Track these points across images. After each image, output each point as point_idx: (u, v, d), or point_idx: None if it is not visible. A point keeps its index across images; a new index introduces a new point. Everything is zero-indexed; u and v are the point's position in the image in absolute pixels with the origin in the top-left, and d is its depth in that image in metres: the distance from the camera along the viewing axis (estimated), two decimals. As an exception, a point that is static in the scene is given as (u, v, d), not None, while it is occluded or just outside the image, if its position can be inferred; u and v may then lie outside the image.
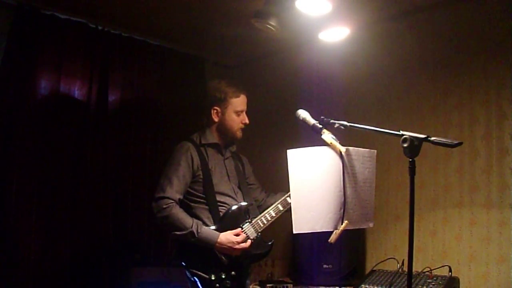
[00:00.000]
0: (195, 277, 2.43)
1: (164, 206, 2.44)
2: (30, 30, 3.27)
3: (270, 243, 2.66)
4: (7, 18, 3.23)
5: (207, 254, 2.47)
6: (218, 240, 2.45)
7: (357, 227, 1.95)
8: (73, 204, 3.41)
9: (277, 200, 2.65)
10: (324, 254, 3.19)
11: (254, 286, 3.20)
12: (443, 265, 2.62)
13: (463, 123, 2.99)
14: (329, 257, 3.19)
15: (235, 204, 2.61)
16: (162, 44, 4.07)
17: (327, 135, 1.95)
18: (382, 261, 2.82)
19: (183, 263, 2.48)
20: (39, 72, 3.35)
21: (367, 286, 2.64)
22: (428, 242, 3.06)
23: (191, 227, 2.42)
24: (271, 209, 2.60)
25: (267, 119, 4.01)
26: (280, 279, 3.52)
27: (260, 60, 4.41)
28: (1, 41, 3.21)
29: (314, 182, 1.86)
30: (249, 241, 2.53)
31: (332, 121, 2.03)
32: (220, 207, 2.58)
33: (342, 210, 1.86)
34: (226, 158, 2.74)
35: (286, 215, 2.53)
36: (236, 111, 2.65)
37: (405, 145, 1.66)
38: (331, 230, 1.87)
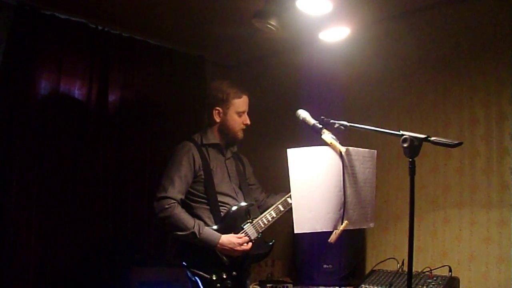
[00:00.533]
0: (196, 277, 2.43)
1: (166, 206, 2.44)
2: (30, 30, 3.27)
3: (271, 243, 2.66)
4: (7, 18, 3.23)
5: (208, 254, 2.47)
6: (220, 241, 2.45)
7: (357, 227, 1.95)
8: (73, 204, 3.41)
9: (278, 201, 2.65)
10: (324, 254, 3.19)
11: (254, 286, 3.19)
12: (443, 265, 2.62)
13: (463, 123, 2.99)
14: (329, 257, 3.19)
15: (236, 205, 2.61)
16: (162, 44, 4.07)
17: (327, 135, 1.95)
18: (382, 261, 2.82)
19: (184, 263, 2.48)
20: (39, 72, 3.35)
21: (367, 286, 2.64)
22: (428, 242, 3.06)
23: (193, 227, 2.43)
24: (271, 210, 2.61)
25: (267, 119, 4.01)
26: (280, 279, 3.51)
27: (260, 60, 4.41)
28: (1, 41, 3.21)
29: (314, 182, 1.86)
30: (250, 243, 2.53)
31: (332, 121, 2.03)
32: (221, 207, 2.58)
33: (342, 210, 1.86)
34: (227, 159, 2.74)
35: (286, 215, 2.53)
36: (237, 112, 2.65)
37: (405, 145, 1.66)
38: (331, 230, 1.88)
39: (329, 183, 1.85)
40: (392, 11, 3.33)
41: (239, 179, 2.75)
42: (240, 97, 2.66)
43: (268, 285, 3.19)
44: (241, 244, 2.49)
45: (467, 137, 2.93)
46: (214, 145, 2.68)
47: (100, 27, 3.64)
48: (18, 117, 3.20)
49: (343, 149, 1.87)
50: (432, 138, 1.65)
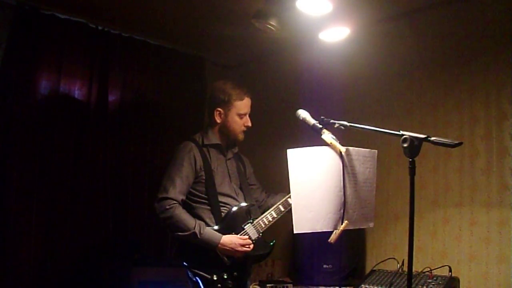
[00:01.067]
0: (197, 277, 2.42)
1: (167, 207, 2.44)
2: (30, 30, 3.27)
3: (271, 243, 2.66)
4: (7, 18, 3.23)
5: (209, 254, 2.47)
6: (221, 241, 2.45)
7: (357, 227, 1.95)
8: (73, 204, 3.41)
9: (278, 201, 2.65)
10: (324, 254, 3.19)
11: (254, 286, 3.19)
12: (443, 265, 2.62)
13: (463, 123, 2.99)
14: (329, 257, 3.19)
15: (237, 205, 2.61)
16: (162, 44, 4.07)
17: (327, 135, 1.95)
18: (382, 261, 2.82)
19: (185, 263, 2.48)
20: (39, 72, 3.36)
21: (367, 286, 2.64)
22: (428, 242, 3.06)
23: (194, 228, 2.42)
24: (272, 210, 2.60)
25: (267, 119, 4.01)
26: (280, 279, 3.52)
27: (260, 60, 4.41)
28: (1, 41, 3.21)
29: (314, 182, 1.85)
30: (252, 245, 2.52)
31: (332, 121, 2.02)
32: (222, 208, 2.58)
33: (342, 210, 1.86)
34: (228, 159, 2.73)
35: (286, 215, 2.53)
36: (239, 114, 2.64)
37: (405, 145, 1.66)
38: (331, 230, 1.87)
39: (329, 183, 1.85)
40: (392, 11, 3.33)
41: (240, 180, 2.75)
42: (242, 99, 2.64)
43: (268, 285, 3.19)
44: (243, 245, 2.48)
45: (467, 137, 2.93)
46: (215, 146, 2.68)
47: (100, 27, 3.65)
48: (18, 117, 3.21)
49: (343, 149, 1.87)
50: (432, 138, 1.65)
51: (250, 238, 2.54)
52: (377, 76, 3.48)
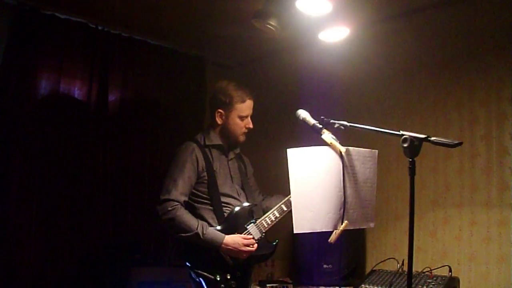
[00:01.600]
0: (200, 278, 2.42)
1: (169, 209, 2.43)
2: (30, 30, 3.27)
3: (274, 243, 2.65)
4: (7, 18, 3.23)
5: (212, 255, 2.46)
6: (224, 241, 2.44)
7: (357, 227, 1.95)
8: (73, 204, 3.41)
9: (273, 203, 2.67)
10: (324, 254, 3.19)
11: (254, 286, 3.19)
12: (443, 265, 2.62)
13: (463, 123, 2.99)
14: (329, 257, 3.19)
15: (239, 205, 2.60)
16: (162, 44, 4.07)
17: (327, 135, 1.95)
18: (382, 261, 2.82)
19: (188, 264, 2.48)
20: (39, 72, 3.36)
21: (367, 286, 2.64)
22: (428, 242, 3.06)
23: (197, 228, 2.42)
24: (275, 210, 2.60)
25: (267, 119, 4.01)
26: (280, 279, 3.52)
27: (260, 60, 4.41)
28: (1, 41, 3.21)
29: (314, 182, 1.86)
30: (256, 245, 2.52)
31: (332, 121, 2.02)
32: (224, 208, 2.57)
33: (342, 210, 1.86)
34: (230, 159, 2.73)
35: (287, 215, 2.53)
36: (240, 116, 2.62)
37: (405, 145, 1.66)
38: (331, 230, 1.87)
39: (329, 183, 1.85)
40: (392, 11, 3.33)
41: (242, 180, 2.74)
42: (243, 101, 2.62)
43: (268, 285, 3.19)
44: (247, 245, 2.48)
45: (467, 137, 2.93)
46: (217, 146, 2.67)
47: (100, 27, 3.64)
48: (18, 117, 3.21)
49: (343, 149, 1.87)
50: (432, 138, 1.65)
51: (253, 238, 2.53)
52: (377, 76, 3.48)
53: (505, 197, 2.75)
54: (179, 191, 2.48)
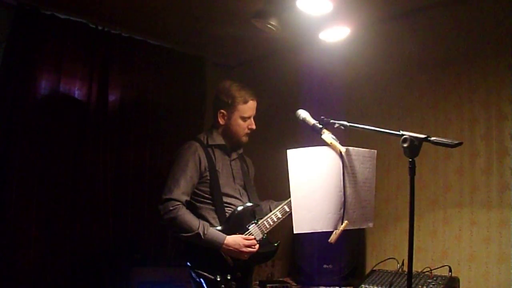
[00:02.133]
0: (200, 278, 2.41)
1: (171, 208, 2.43)
2: (30, 30, 3.27)
3: (276, 244, 2.65)
4: (7, 18, 3.23)
5: (213, 255, 2.46)
6: (225, 242, 2.44)
7: (357, 227, 1.95)
8: (73, 204, 3.41)
9: (266, 207, 2.67)
10: (324, 254, 3.19)
11: (254, 286, 3.19)
12: (443, 265, 2.62)
13: (463, 123, 2.99)
14: (329, 257, 3.19)
15: (242, 205, 2.60)
16: (162, 44, 4.07)
17: (327, 135, 1.95)
18: (382, 261, 2.82)
19: (188, 264, 2.48)
20: (39, 72, 3.36)
21: (367, 286, 2.64)
22: (428, 242, 3.06)
23: (198, 228, 2.41)
24: (277, 211, 2.59)
25: (267, 119, 4.00)
26: (280, 279, 3.52)
27: (260, 60, 4.41)
28: (1, 41, 3.21)
29: (314, 182, 1.85)
30: (257, 246, 2.51)
31: (332, 121, 2.02)
32: (226, 208, 2.57)
33: (342, 210, 1.86)
34: (233, 160, 2.72)
35: (289, 217, 2.53)
36: (242, 117, 2.61)
37: (405, 145, 1.66)
38: (331, 230, 1.87)
39: (329, 183, 1.85)
40: (392, 11, 3.33)
41: (244, 180, 2.74)
42: (246, 102, 2.61)
43: (268, 285, 3.19)
44: (248, 246, 2.47)
45: (467, 137, 2.93)
46: (219, 146, 2.66)
47: (100, 27, 3.65)
48: (18, 117, 3.21)
49: (343, 149, 1.87)
50: (432, 138, 1.65)
51: (254, 238, 2.53)
52: (377, 76, 3.48)
53: (505, 197, 2.75)
54: (181, 190, 2.48)
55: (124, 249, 3.62)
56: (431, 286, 2.46)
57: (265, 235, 2.58)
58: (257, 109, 2.69)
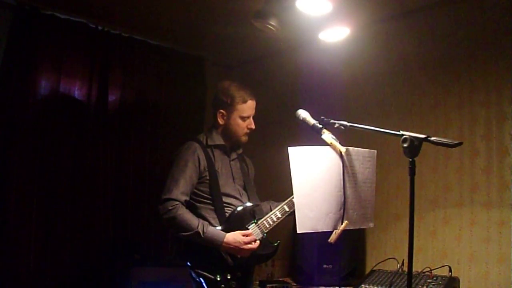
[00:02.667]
0: (200, 278, 2.42)
1: (170, 208, 2.44)
2: (30, 30, 3.27)
3: (276, 244, 2.65)
4: (7, 18, 3.23)
5: (213, 255, 2.46)
6: (225, 240, 2.43)
7: (357, 227, 1.95)
8: (73, 204, 3.41)
9: (267, 207, 2.67)
10: (324, 254, 3.19)
11: (254, 286, 3.19)
12: (443, 265, 2.62)
13: (463, 123, 2.99)
14: (329, 257, 3.18)
15: (241, 205, 2.60)
16: (162, 44, 4.07)
17: (327, 135, 1.95)
18: (382, 261, 2.82)
19: (188, 263, 2.48)
20: (39, 72, 3.36)
21: (367, 286, 2.64)
22: (428, 242, 3.06)
23: (197, 227, 2.42)
24: (277, 210, 2.59)
25: (267, 119, 4.01)
26: (280, 279, 3.52)
27: (260, 60, 4.41)
28: (1, 41, 3.21)
29: (315, 182, 1.85)
30: (257, 242, 2.51)
31: (332, 121, 2.02)
32: (226, 208, 2.57)
33: (342, 210, 1.86)
34: (232, 160, 2.72)
35: (288, 217, 2.53)
36: (241, 117, 2.61)
37: (405, 145, 1.66)
38: (332, 230, 1.87)
39: (329, 183, 1.85)
40: (392, 11, 3.33)
41: (244, 180, 2.74)
42: (245, 102, 2.61)
43: (268, 285, 3.19)
44: (247, 243, 2.47)
45: (467, 137, 2.93)
46: (219, 146, 2.66)
47: (100, 27, 3.65)
48: (18, 117, 3.21)
49: (343, 149, 1.87)
50: (432, 138, 1.65)
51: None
52: (377, 76, 3.48)
53: (505, 197, 2.75)
54: (180, 190, 2.48)
55: (124, 249, 3.62)
56: (431, 286, 2.46)
57: (265, 235, 2.58)
58: (257, 109, 2.69)
